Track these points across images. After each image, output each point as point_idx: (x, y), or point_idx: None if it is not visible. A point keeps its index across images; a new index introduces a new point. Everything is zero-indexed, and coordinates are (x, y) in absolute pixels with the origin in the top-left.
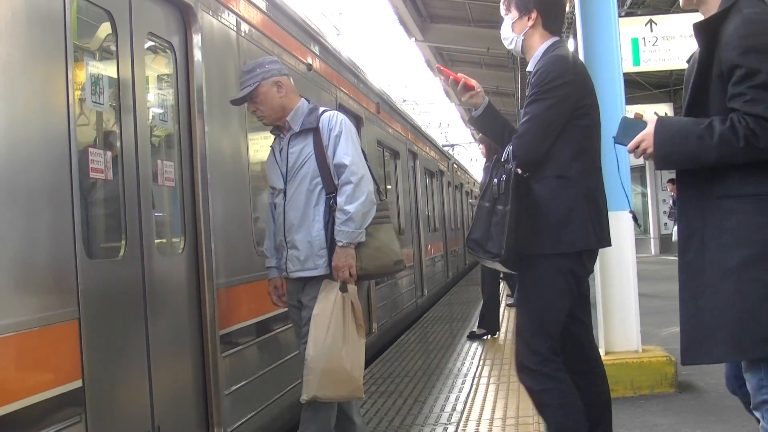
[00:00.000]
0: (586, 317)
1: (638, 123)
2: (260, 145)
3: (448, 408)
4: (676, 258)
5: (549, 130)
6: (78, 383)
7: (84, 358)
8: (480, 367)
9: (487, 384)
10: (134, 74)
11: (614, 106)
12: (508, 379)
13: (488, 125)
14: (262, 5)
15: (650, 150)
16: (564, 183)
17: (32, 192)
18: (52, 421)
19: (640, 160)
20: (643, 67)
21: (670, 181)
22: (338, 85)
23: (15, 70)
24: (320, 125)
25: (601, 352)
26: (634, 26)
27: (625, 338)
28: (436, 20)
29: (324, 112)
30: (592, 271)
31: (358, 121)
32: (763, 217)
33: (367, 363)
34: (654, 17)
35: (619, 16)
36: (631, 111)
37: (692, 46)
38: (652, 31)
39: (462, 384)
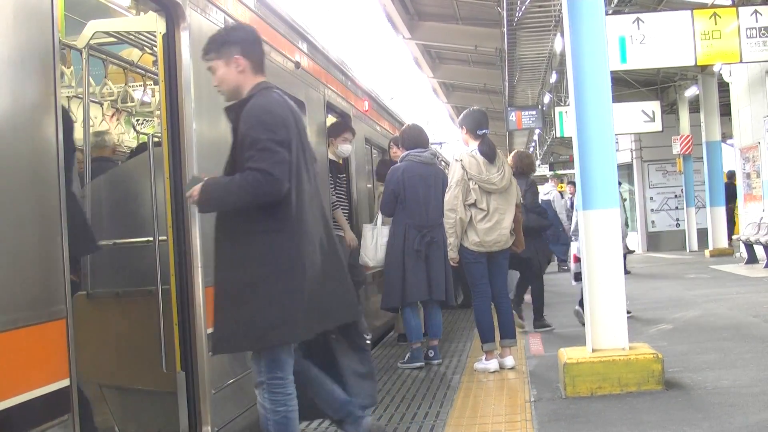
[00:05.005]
0: None
1: (199, 179)
2: None
3: (436, 405)
4: (663, 255)
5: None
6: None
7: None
8: (468, 361)
9: (476, 380)
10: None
11: (602, 105)
12: (496, 375)
13: None
14: (251, 3)
15: (195, 196)
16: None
17: (17, 188)
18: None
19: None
20: (631, 65)
21: (571, 183)
22: (326, 82)
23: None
24: None
25: (589, 349)
26: (621, 24)
27: (613, 336)
28: (424, 18)
29: None
30: None
31: (345, 119)
32: (252, 249)
33: None
34: (641, 15)
35: (607, 14)
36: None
37: (680, 44)
38: (639, 29)
39: (450, 381)
